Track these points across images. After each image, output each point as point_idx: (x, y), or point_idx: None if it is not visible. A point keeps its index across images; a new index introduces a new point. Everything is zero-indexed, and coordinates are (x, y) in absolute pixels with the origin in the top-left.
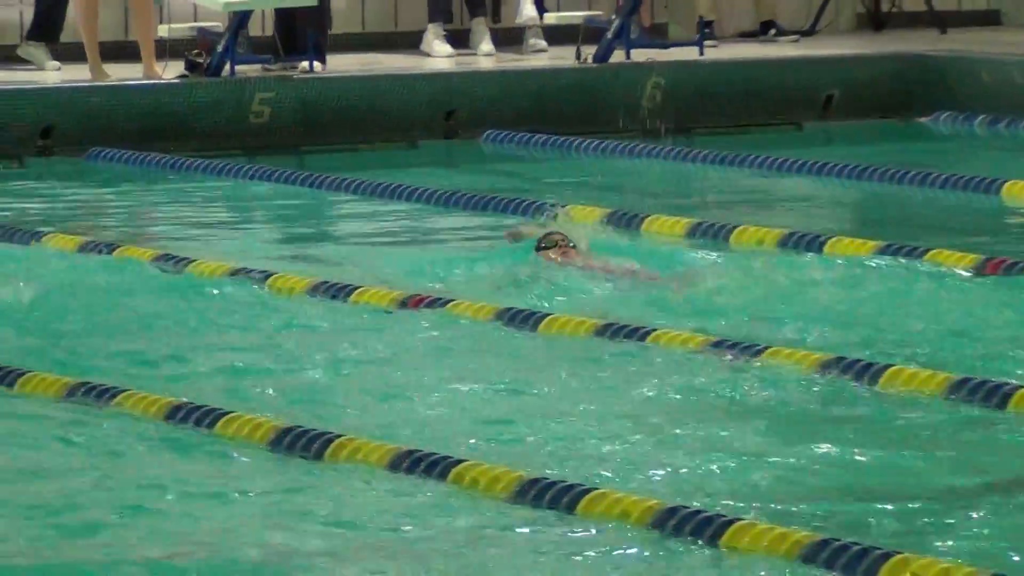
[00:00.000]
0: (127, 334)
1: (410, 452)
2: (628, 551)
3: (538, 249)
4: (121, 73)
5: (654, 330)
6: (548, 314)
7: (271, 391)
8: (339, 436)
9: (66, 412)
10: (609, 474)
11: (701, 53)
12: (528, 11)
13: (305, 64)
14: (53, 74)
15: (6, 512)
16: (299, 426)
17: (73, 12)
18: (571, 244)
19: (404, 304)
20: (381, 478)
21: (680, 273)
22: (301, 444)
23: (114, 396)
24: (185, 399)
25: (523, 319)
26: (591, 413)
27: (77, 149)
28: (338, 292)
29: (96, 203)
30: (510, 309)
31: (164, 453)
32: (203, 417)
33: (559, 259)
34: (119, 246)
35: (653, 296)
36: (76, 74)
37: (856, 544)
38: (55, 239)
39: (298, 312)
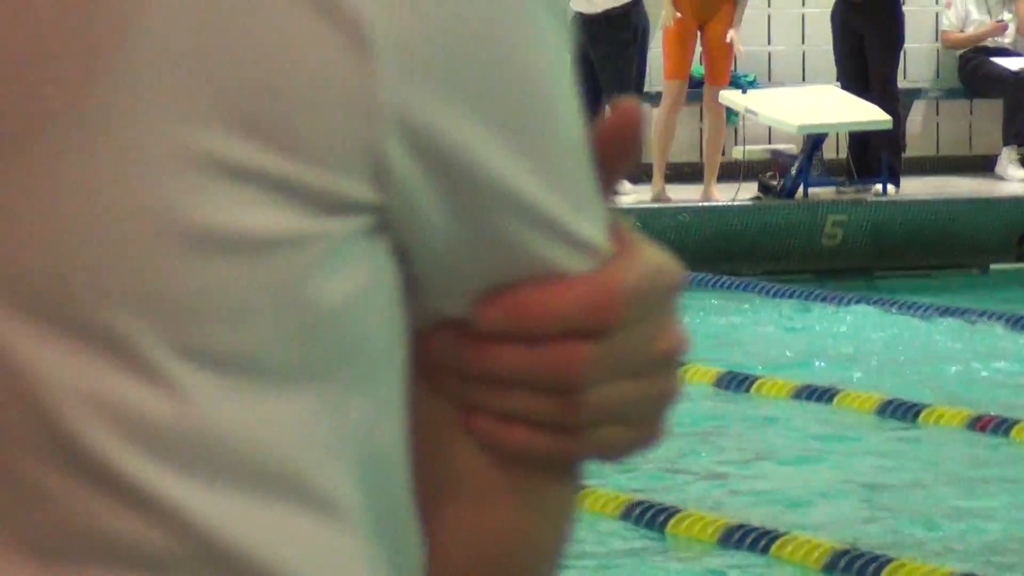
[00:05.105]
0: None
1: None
2: None
3: None
4: (687, 195)
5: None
6: None
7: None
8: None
9: None
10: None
11: None
12: None
13: (878, 187)
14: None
15: None
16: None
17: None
18: None
19: (972, 426)
20: None
21: None
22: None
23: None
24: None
25: None
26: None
27: None
28: (907, 412)
29: None
30: None
31: None
32: (759, 538)
33: None
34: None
35: None
36: (639, 196)
37: None
38: None
39: (868, 432)
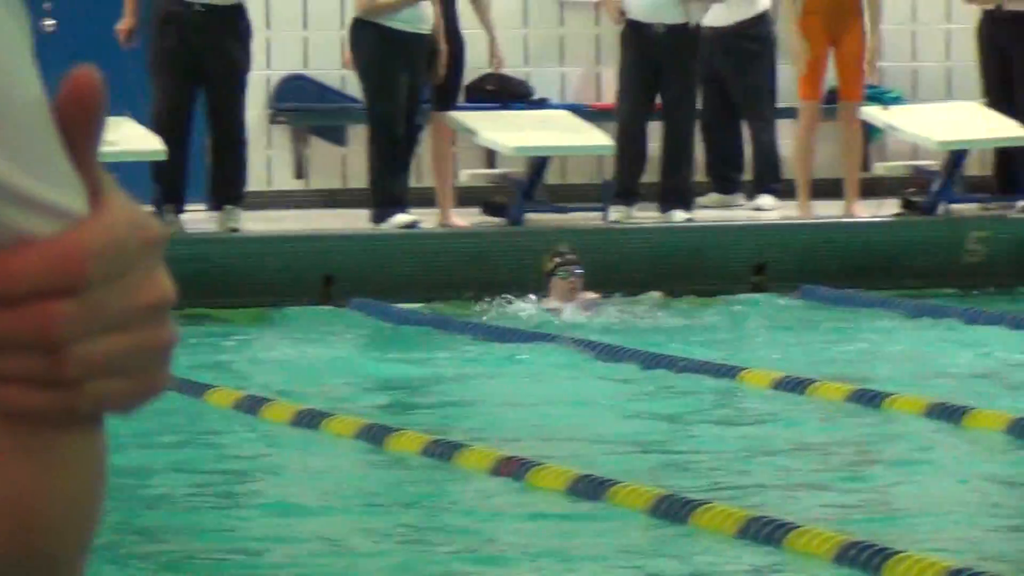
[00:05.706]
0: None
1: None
2: None
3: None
4: (830, 211)
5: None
6: None
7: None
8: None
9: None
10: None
11: None
12: None
13: (1022, 203)
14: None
15: None
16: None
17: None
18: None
19: None
20: None
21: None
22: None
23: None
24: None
25: None
26: None
27: (790, 286)
28: None
29: (806, 341)
30: None
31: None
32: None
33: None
34: (814, 382)
35: None
36: (785, 212)
37: None
38: (751, 374)
39: (995, 452)
